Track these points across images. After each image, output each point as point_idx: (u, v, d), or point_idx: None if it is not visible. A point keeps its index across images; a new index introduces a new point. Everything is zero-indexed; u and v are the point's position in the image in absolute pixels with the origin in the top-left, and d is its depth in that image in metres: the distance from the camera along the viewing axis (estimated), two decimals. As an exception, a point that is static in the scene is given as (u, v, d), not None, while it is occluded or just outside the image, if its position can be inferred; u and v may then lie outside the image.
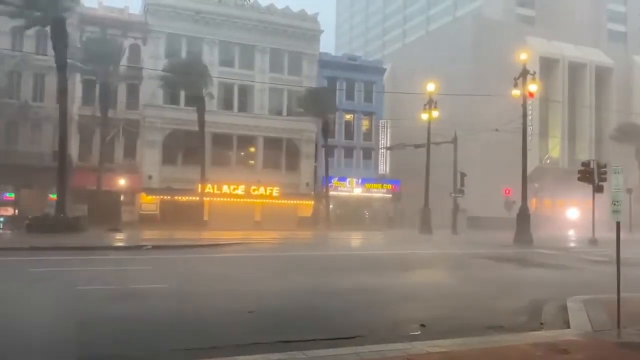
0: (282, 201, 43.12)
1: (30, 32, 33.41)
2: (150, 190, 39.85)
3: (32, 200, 35.82)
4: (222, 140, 42.84)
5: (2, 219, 33.05)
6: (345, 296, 9.79)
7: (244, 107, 44.82)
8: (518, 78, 28.34)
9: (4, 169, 33.47)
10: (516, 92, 28.45)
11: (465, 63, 52.94)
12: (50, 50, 30.05)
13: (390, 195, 48.80)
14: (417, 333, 6.96)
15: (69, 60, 29.51)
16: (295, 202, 44.04)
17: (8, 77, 36.31)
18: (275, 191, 43.07)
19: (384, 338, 6.43)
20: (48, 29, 29.11)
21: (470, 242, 26.88)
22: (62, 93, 29.34)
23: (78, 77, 36.97)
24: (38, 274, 12.26)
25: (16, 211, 34.74)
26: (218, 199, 41.12)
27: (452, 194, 37.99)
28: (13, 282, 10.94)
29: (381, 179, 49.11)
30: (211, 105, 39.93)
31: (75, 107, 37.65)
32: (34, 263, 14.17)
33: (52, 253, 16.75)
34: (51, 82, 34.05)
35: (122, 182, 36.06)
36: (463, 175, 38.01)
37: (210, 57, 42.50)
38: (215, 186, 40.80)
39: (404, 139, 44.19)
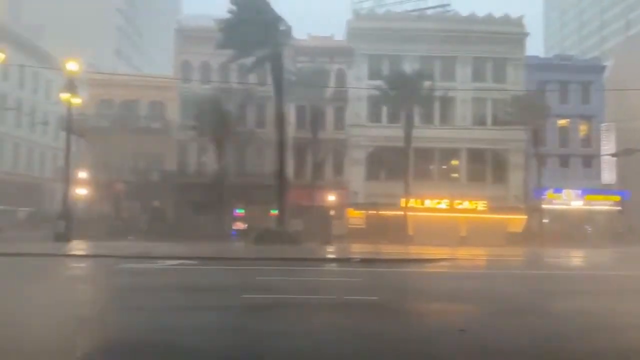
0: (489, 215, 41.14)
1: (253, 67, 37.89)
2: (357, 205, 41.68)
3: (258, 215, 40.31)
4: (423, 154, 42.84)
5: (234, 233, 37.84)
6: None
7: (445, 119, 44.27)
8: None
9: (235, 188, 38.37)
10: None
11: None
12: (269, 81, 33.85)
13: (618, 208, 42.96)
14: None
15: (285, 89, 32.85)
16: (504, 216, 41.60)
17: (237, 109, 41.70)
18: (482, 205, 41.32)
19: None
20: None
21: None
22: (280, 119, 32.77)
23: (292, 103, 40.71)
24: (263, 282, 13.67)
25: (246, 226, 39.35)
26: (422, 213, 41.06)
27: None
28: (244, 288, 12.34)
29: (606, 190, 43.60)
30: (413, 119, 40.33)
31: (291, 130, 41.47)
32: (260, 272, 15.85)
33: (274, 263, 18.57)
34: (271, 110, 38.25)
35: (331, 198, 38.50)
36: None
37: (410, 72, 43.03)
38: (419, 200, 40.85)
39: (633, 144, 38.67)
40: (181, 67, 43.46)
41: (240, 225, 39.24)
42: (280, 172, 32.17)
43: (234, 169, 40.37)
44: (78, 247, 24.84)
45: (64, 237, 27.25)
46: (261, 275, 14.89)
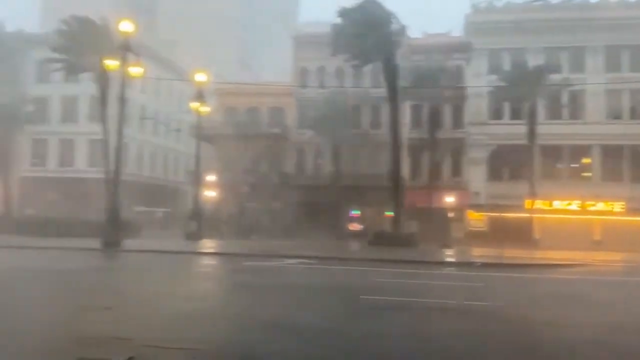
0: (628, 218, 37.37)
1: (367, 69, 38.07)
2: (477, 207, 40.10)
3: (373, 216, 40.41)
4: (550, 152, 40.03)
5: (351, 234, 38.26)
6: None
7: (575, 114, 41.03)
8: None
9: (350, 189, 38.82)
10: None
11: None
12: (383, 82, 33.80)
13: None
14: None
15: (399, 89, 32.60)
16: (645, 218, 37.57)
17: (352, 111, 42.10)
18: (619, 206, 37.69)
19: None
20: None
21: None
22: (394, 120, 32.59)
23: (407, 104, 40.23)
24: (380, 283, 13.66)
25: (362, 227, 39.61)
26: (549, 215, 38.41)
27: None
28: (362, 289, 12.43)
29: None
30: (537, 115, 37.92)
31: (405, 131, 40.99)
32: (377, 273, 15.87)
33: (391, 265, 18.48)
34: (385, 111, 38.19)
35: (450, 199, 37.42)
36: None
37: (534, 65, 40.50)
38: (546, 202, 38.25)
39: None
40: (299, 73, 44.92)
41: (356, 226, 39.60)
42: (396, 173, 31.95)
43: (349, 171, 40.83)
44: (207, 245, 26.71)
45: (195, 236, 29.43)
46: (378, 277, 14.91)
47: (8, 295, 10.36)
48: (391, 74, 32.15)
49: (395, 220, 31.26)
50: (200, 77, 31.06)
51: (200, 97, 31.45)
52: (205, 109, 32.94)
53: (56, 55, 33.22)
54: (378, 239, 29.49)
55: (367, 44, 31.38)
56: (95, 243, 22.63)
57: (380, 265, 18.31)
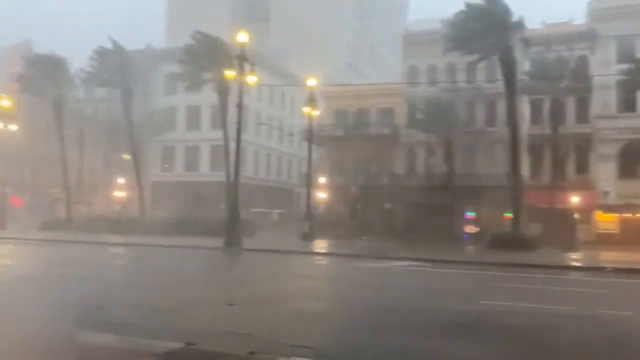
0: None
1: (481, 63, 36.58)
2: (606, 208, 36.82)
3: (490, 218, 38.70)
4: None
5: (466, 236, 36.98)
6: None
7: None
8: None
9: (465, 189, 37.52)
10: None
11: None
12: (500, 77, 32.25)
13: None
14: None
15: (517, 83, 30.94)
16: None
17: (465, 108, 40.72)
18: None
19: None
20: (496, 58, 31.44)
21: None
22: (512, 116, 30.94)
23: (525, 98, 38.03)
24: (500, 288, 13.04)
25: (478, 229, 38.12)
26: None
27: None
28: (481, 294, 11.96)
29: None
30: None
31: (524, 127, 38.74)
32: (497, 278, 15.18)
33: (511, 269, 17.57)
34: (501, 107, 36.46)
35: (575, 199, 34.72)
36: None
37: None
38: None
39: None
40: (408, 72, 44.38)
41: (471, 229, 38.14)
42: (514, 172, 30.32)
43: (463, 170, 39.51)
44: (320, 245, 27.31)
45: (308, 236, 30.22)
46: (498, 281, 14.28)
47: (144, 289, 11.39)
48: (509, 67, 30.58)
49: (515, 222, 29.66)
50: (311, 82, 31.86)
51: (311, 101, 32.27)
52: (316, 113, 33.73)
53: (181, 69, 35.95)
54: (497, 241, 28.15)
55: (487, 38, 30.18)
56: (217, 242, 24.11)
57: (500, 269, 17.50)
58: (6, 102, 37.77)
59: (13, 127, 38.35)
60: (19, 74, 41.66)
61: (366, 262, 18.94)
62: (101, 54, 38.52)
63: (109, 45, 38.98)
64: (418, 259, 19.91)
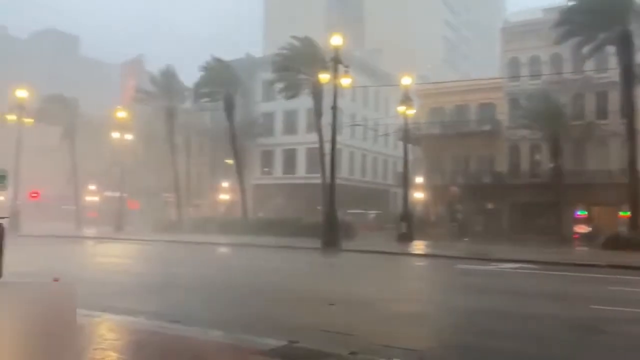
0: None
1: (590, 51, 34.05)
2: None
3: (603, 217, 35.91)
4: None
5: (577, 236, 34.59)
6: None
7: None
8: None
9: (574, 187, 35.15)
10: None
11: None
12: (614, 65, 29.83)
13: None
14: None
15: (635, 71, 28.39)
16: None
17: (573, 100, 38.14)
18: None
19: None
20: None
21: None
22: (629, 107, 28.41)
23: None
24: (614, 293, 12.04)
25: (590, 229, 35.53)
26: None
27: None
28: (593, 300, 11.12)
29: None
30: None
31: (642, 118, 35.49)
32: (613, 282, 14.04)
33: (630, 273, 16.17)
34: (614, 98, 33.70)
35: None
36: None
37: None
38: None
39: None
40: (508, 65, 42.40)
41: (583, 229, 35.59)
42: (632, 168, 27.82)
43: (571, 167, 37.02)
44: (419, 246, 26.84)
45: (406, 238, 29.82)
46: (614, 285, 13.19)
47: (249, 288, 11.87)
48: (628, 54, 28.07)
49: (633, 221, 27.22)
50: (406, 80, 31.45)
51: (406, 100, 31.83)
52: (411, 112, 33.23)
53: (277, 75, 37.08)
54: (613, 242, 26.00)
55: (599, 24, 28.05)
56: (315, 243, 24.53)
57: (617, 273, 16.16)
58: (123, 114, 41.28)
59: (129, 137, 41.80)
60: (136, 88, 45.60)
61: (468, 265, 18.32)
62: (206, 69, 40.96)
63: (213, 60, 41.32)
64: (525, 261, 18.92)
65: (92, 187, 53.87)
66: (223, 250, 25.70)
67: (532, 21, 41.45)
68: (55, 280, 8.60)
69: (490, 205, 41.09)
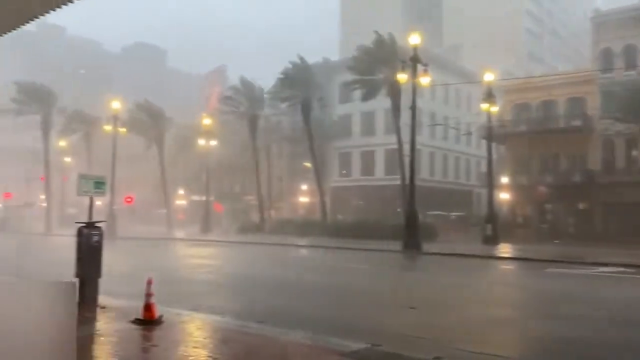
0: None
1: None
2: None
3: None
4: None
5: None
6: None
7: None
8: None
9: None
10: None
11: None
12: None
13: None
14: None
15: None
16: None
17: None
18: None
19: None
20: None
21: None
22: None
23: None
24: None
25: None
26: None
27: None
28: None
29: None
30: None
31: None
32: None
33: None
34: None
35: None
36: None
37: None
38: None
39: None
40: (600, 56, 39.70)
41: None
42: None
43: None
44: (505, 249, 25.76)
45: (492, 240, 28.73)
46: None
47: (329, 290, 11.93)
48: None
49: None
50: (488, 76, 30.35)
51: (489, 97, 30.71)
52: (494, 109, 32.01)
53: (354, 76, 37.11)
54: None
55: None
56: (395, 245, 24.24)
57: None
58: (208, 121, 43.14)
59: (213, 143, 43.59)
60: (219, 97, 47.61)
61: (560, 268, 17.28)
62: (285, 74, 41.76)
63: (294, 62, 42.02)
64: (623, 265, 17.59)
65: (180, 192, 56.67)
66: (304, 252, 26.06)
67: (626, 8, 38.57)
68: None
69: (581, 206, 38.63)
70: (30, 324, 3.10)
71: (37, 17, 6.02)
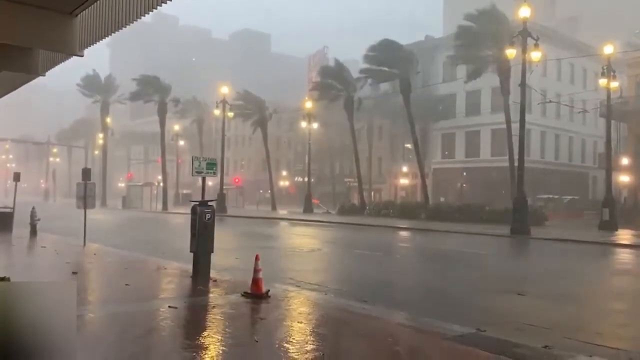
0: None
1: None
2: None
3: None
4: None
5: None
6: None
7: None
8: None
9: None
10: None
11: None
12: None
13: None
14: None
15: None
16: None
17: None
18: None
19: None
20: None
21: None
22: None
23: None
24: None
25: None
26: None
27: None
28: None
29: None
30: None
31: None
32: None
33: None
34: None
35: None
36: None
37: None
38: None
39: None
40: None
41: None
42: None
43: None
44: (624, 236, 23.76)
45: (609, 226, 26.62)
46: None
47: (432, 273, 11.80)
48: None
49: None
50: (608, 49, 27.80)
51: (609, 71, 28.16)
52: (615, 85, 29.31)
53: (458, 52, 35.65)
54: None
55: None
56: (503, 230, 23.29)
57: None
58: (309, 104, 43.90)
59: (315, 125, 44.33)
60: (315, 83, 48.11)
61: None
62: (377, 50, 40.64)
63: (384, 42, 40.93)
64: None
65: (283, 173, 58.44)
66: (405, 234, 25.87)
67: None
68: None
69: None
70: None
71: (155, 8, 6.48)
